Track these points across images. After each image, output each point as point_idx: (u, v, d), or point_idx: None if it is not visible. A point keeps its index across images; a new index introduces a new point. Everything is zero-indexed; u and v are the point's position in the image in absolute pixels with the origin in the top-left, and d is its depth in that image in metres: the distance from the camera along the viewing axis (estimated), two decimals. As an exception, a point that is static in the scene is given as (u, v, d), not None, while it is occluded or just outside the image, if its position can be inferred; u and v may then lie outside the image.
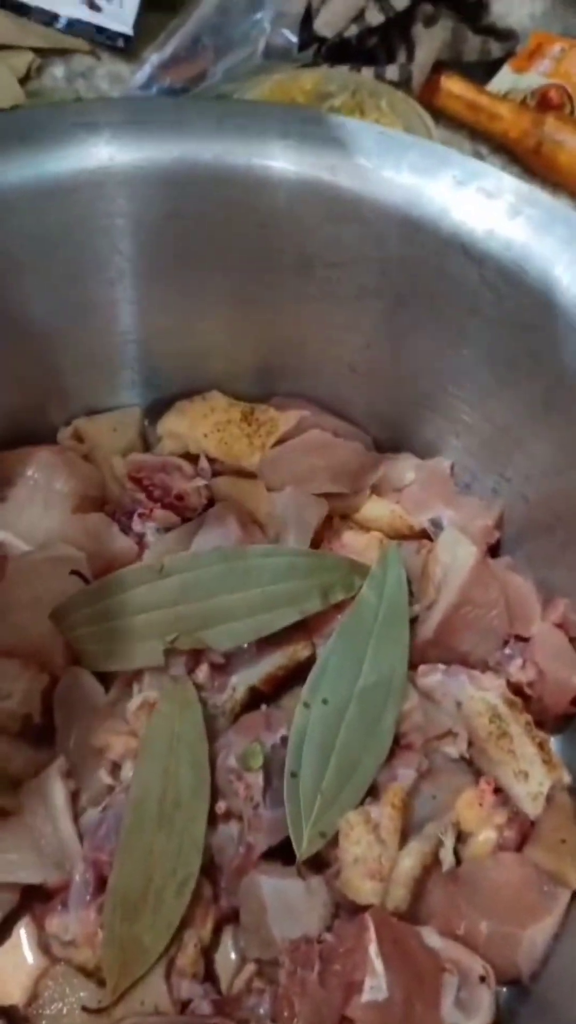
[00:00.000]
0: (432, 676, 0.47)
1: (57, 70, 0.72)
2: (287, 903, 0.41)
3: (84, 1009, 0.40)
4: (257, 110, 0.43)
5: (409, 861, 0.41)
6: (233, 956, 0.42)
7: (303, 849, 0.41)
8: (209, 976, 0.42)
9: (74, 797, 0.44)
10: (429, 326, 0.46)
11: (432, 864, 0.42)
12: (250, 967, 0.42)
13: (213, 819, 0.43)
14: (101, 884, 0.41)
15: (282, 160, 0.43)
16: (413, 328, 0.47)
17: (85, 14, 0.73)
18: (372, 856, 0.41)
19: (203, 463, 0.52)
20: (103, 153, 0.42)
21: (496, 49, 0.73)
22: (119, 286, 0.47)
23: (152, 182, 0.42)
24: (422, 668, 0.47)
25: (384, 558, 0.48)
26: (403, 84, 0.67)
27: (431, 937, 0.41)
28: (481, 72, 0.73)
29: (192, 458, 0.52)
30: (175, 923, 0.40)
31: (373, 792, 0.43)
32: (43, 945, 0.42)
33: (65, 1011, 0.41)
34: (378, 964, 0.38)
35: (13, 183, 0.42)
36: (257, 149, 0.43)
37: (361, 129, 0.43)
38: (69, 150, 0.42)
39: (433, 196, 0.42)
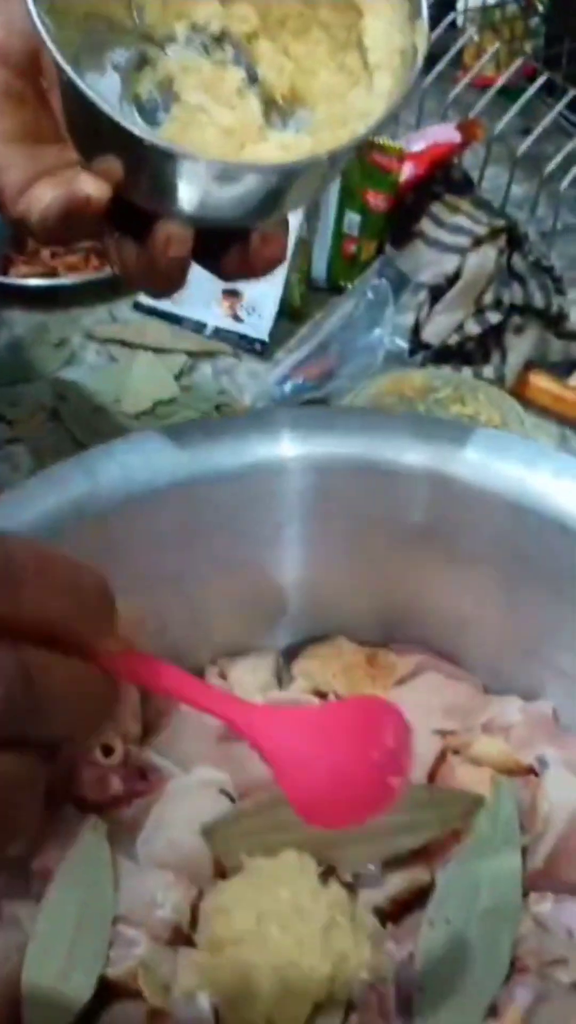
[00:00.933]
0: (543, 905, 0.51)
1: (205, 368, 0.87)
2: None
3: None
4: (391, 417, 0.54)
5: (531, 1080, 0.44)
6: None
7: (432, 1061, 0.45)
8: None
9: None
10: (531, 587, 0.55)
11: None
12: None
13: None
14: None
15: (410, 455, 0.53)
16: (518, 588, 0.55)
17: (229, 324, 0.88)
18: (495, 1073, 0.44)
19: (331, 700, 0.60)
20: (271, 449, 0.53)
21: (576, 350, 0.86)
22: (270, 549, 0.57)
23: (306, 471, 0.53)
24: (533, 896, 0.51)
25: (498, 791, 0.53)
26: (497, 381, 0.80)
27: None
28: (564, 369, 0.85)
29: (322, 695, 0.60)
30: None
31: (493, 1012, 0.47)
32: None
33: None
34: None
35: (195, 473, 0.53)
36: (389, 446, 0.53)
37: (474, 431, 0.53)
38: (242, 446, 0.53)
39: (535, 485, 0.52)
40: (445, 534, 0.55)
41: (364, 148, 0.86)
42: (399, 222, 0.89)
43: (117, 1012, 0.48)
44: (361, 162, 0.87)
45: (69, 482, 0.50)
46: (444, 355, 0.82)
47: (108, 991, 0.48)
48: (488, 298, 0.82)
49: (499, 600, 0.57)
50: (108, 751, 0.55)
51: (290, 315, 0.90)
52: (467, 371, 0.80)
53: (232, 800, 0.54)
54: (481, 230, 0.83)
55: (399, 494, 0.53)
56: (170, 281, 0.45)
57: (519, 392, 0.81)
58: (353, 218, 0.90)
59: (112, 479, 0.51)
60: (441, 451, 0.53)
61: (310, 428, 0.54)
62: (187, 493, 0.52)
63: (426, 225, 0.87)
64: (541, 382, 0.82)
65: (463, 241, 0.83)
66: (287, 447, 0.53)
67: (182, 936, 0.50)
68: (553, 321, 0.84)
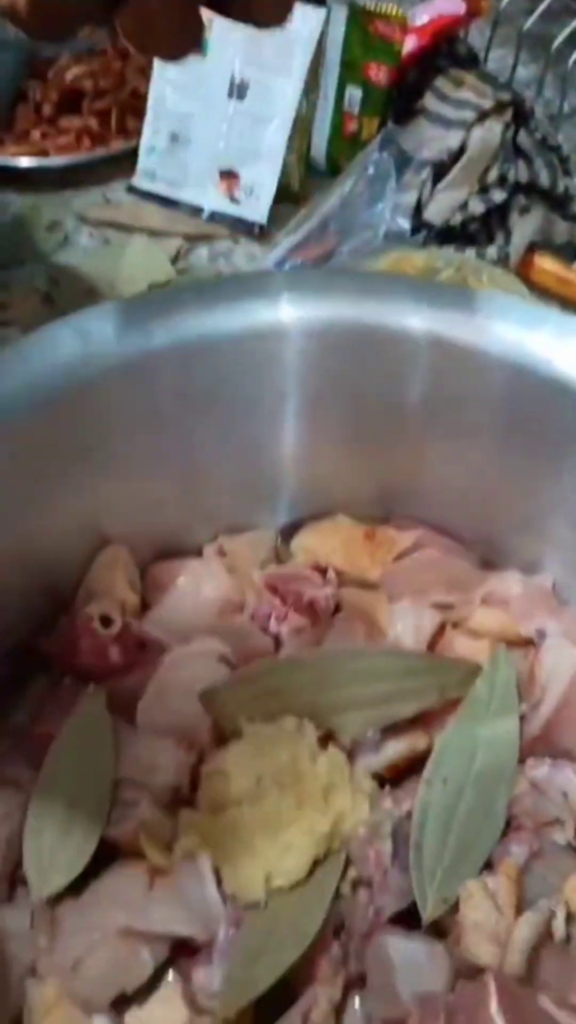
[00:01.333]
0: (539, 769, 0.52)
1: (201, 251, 0.84)
2: (414, 963, 0.45)
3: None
4: (391, 279, 0.53)
5: (526, 929, 0.45)
6: (360, 1016, 0.46)
7: (428, 912, 0.46)
8: (338, 1036, 0.46)
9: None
10: (532, 457, 0.54)
11: (546, 936, 0.46)
12: (376, 1028, 0.45)
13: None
14: (244, 941, 0.46)
15: (411, 320, 0.52)
16: (518, 459, 0.55)
17: (226, 206, 0.86)
18: (491, 922, 0.45)
19: (331, 574, 0.59)
20: (267, 314, 0.51)
21: (582, 232, 0.84)
22: (269, 424, 0.56)
23: (304, 338, 0.52)
24: (530, 761, 0.52)
25: (495, 658, 0.53)
26: (501, 262, 0.78)
27: (546, 1005, 0.44)
28: (570, 252, 0.83)
29: (321, 570, 0.60)
30: (287, 964, 0.44)
31: (489, 867, 0.48)
32: (189, 997, 0.46)
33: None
34: (500, 1021, 0.42)
35: (191, 336, 0.51)
36: (390, 310, 0.52)
37: (475, 294, 0.52)
38: (239, 309, 0.51)
39: (536, 347, 0.50)
40: (445, 403, 0.54)
41: (366, 17, 0.83)
42: (401, 98, 0.86)
43: (119, 871, 0.48)
44: (363, 33, 0.84)
45: (60, 344, 0.49)
46: (447, 235, 0.79)
47: (110, 852, 0.49)
48: (492, 176, 0.79)
49: (499, 472, 0.56)
50: (107, 622, 0.55)
51: (288, 198, 0.87)
52: (470, 252, 0.78)
53: (232, 667, 0.54)
54: (486, 104, 0.80)
55: (399, 359, 0.52)
56: (171, 21, 0.37)
57: (523, 274, 0.79)
58: (354, 93, 0.87)
59: (105, 341, 0.49)
60: (442, 314, 0.51)
61: (308, 291, 0.52)
62: (182, 358, 0.51)
63: (429, 101, 0.84)
64: (546, 264, 0.80)
65: (467, 115, 0.80)
66: (285, 311, 0.52)
67: (182, 799, 0.51)
68: (559, 202, 0.82)
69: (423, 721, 0.52)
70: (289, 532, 0.62)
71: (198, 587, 0.58)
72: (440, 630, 0.58)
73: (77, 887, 0.47)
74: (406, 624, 0.57)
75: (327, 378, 0.54)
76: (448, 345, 0.51)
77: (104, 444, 0.52)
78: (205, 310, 0.51)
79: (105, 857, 0.48)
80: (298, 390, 0.54)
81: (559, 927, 0.46)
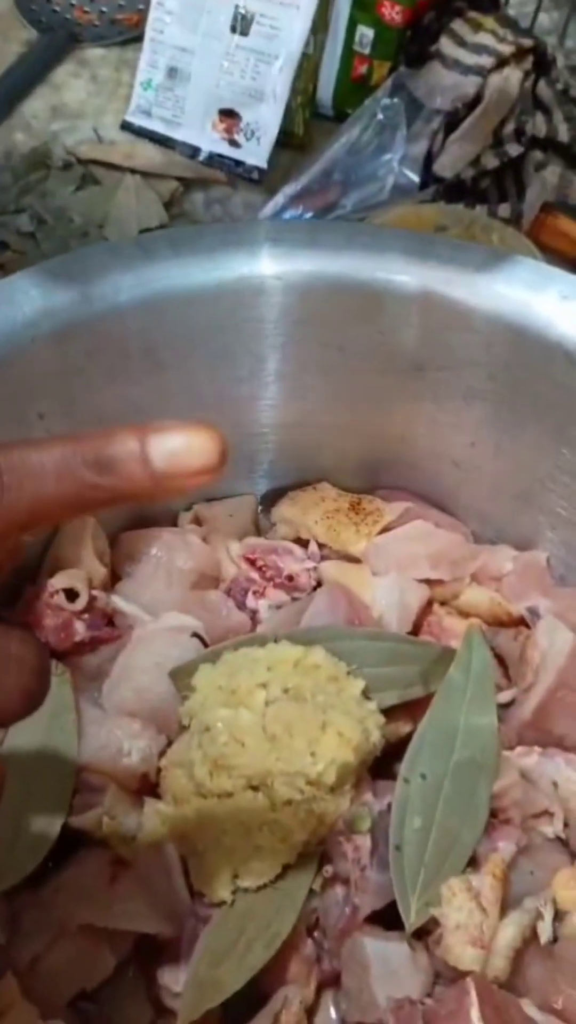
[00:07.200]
0: (529, 757, 0.48)
1: (197, 197, 0.80)
2: (391, 966, 0.42)
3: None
4: (381, 232, 0.49)
5: (511, 931, 0.42)
6: (334, 1018, 0.43)
7: (412, 920, 0.43)
8: (310, 1038, 0.43)
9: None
10: (531, 427, 0.50)
11: (531, 938, 0.43)
12: (350, 1030, 0.43)
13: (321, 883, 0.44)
14: (211, 938, 0.43)
15: (403, 274, 0.48)
16: (516, 428, 0.51)
17: (225, 149, 0.81)
18: (474, 923, 0.42)
19: (313, 547, 0.56)
20: (245, 265, 0.47)
21: (599, 192, 0.79)
22: (248, 385, 0.52)
23: (286, 292, 0.48)
24: (519, 749, 0.49)
25: (469, 639, 0.50)
26: (513, 221, 0.73)
27: (530, 1010, 0.42)
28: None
29: (303, 543, 0.56)
30: (257, 967, 0.41)
31: (473, 864, 0.44)
32: (153, 997, 0.44)
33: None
34: (479, 1028, 0.39)
35: (163, 289, 0.47)
36: (380, 264, 0.48)
37: (474, 249, 0.48)
38: (216, 261, 0.48)
39: (540, 309, 0.46)
40: (438, 366, 0.50)
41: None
42: (415, 41, 0.80)
43: (81, 862, 0.46)
44: (377, -32, 0.78)
45: (20, 298, 0.45)
46: (457, 190, 0.74)
47: (72, 841, 0.46)
48: (508, 128, 0.74)
49: (494, 441, 0.52)
50: (72, 596, 0.52)
51: (291, 143, 0.82)
52: (481, 209, 0.73)
53: (205, 644, 0.50)
54: (506, 50, 0.75)
55: (389, 318, 0.48)
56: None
57: (535, 235, 0.74)
58: (365, 33, 0.81)
59: (69, 294, 0.46)
60: (436, 270, 0.47)
61: (292, 243, 0.48)
62: (154, 312, 0.47)
63: (445, 45, 0.78)
64: (561, 225, 0.75)
65: (485, 61, 0.74)
66: (267, 264, 0.48)
67: (149, 785, 0.48)
68: (577, 158, 0.77)
69: (407, 706, 0.49)
70: (269, 501, 0.59)
71: (171, 558, 0.55)
72: (427, 607, 0.54)
73: (37, 879, 0.44)
74: (391, 601, 0.53)
75: (310, 337, 0.50)
76: (443, 303, 0.47)
77: (67, 401, 0.48)
78: (179, 262, 0.48)
79: (67, 846, 0.45)
80: (279, 350, 0.51)
81: (545, 929, 0.43)
